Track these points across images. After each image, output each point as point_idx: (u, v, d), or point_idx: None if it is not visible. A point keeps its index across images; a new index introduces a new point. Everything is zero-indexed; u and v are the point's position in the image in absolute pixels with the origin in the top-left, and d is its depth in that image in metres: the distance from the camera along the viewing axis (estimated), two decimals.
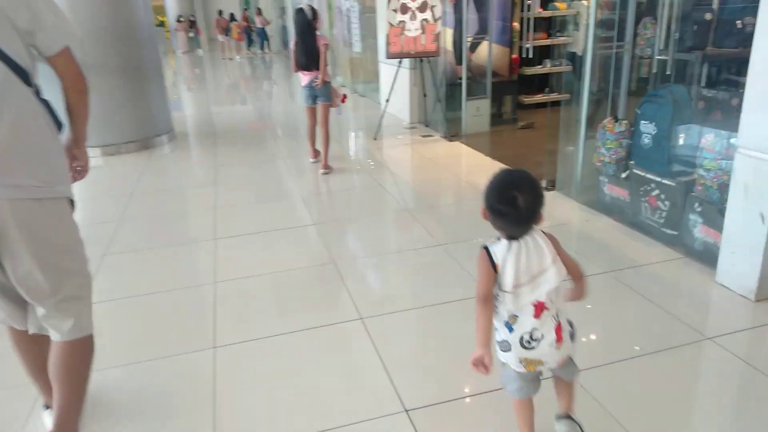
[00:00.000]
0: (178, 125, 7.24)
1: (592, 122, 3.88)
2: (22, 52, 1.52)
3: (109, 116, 5.82)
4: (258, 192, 4.52)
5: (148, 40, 6.06)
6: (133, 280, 3.07)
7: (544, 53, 7.32)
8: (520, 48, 7.05)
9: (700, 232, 2.95)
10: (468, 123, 6.03)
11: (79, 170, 1.83)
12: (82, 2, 5.44)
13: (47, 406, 1.85)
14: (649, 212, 3.30)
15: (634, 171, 3.41)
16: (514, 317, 1.46)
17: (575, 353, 1.60)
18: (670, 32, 3.81)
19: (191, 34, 22.75)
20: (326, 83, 4.82)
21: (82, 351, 1.69)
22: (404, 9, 5.76)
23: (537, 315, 1.45)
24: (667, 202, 3.17)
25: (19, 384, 1.95)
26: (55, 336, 1.65)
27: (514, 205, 1.39)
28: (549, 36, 7.22)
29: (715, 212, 2.82)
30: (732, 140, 2.67)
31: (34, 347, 1.73)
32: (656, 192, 3.24)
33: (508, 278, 1.42)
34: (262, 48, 21.23)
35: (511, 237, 1.46)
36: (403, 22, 5.79)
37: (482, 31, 6.46)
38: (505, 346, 1.50)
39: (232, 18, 22.41)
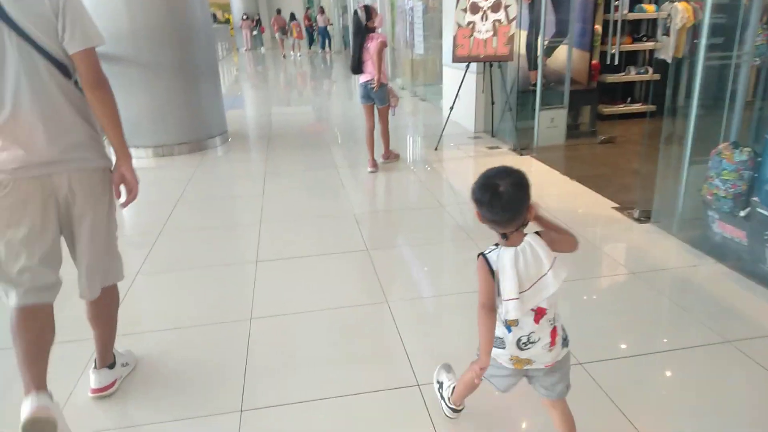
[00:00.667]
0: (233, 124, 7.05)
1: (696, 144, 3.26)
2: (59, 49, 1.71)
3: (162, 116, 5.64)
4: (307, 206, 4.14)
5: (204, 39, 5.84)
6: (160, 310, 2.75)
7: (627, 59, 6.62)
8: (602, 53, 6.40)
9: None
10: (541, 135, 5.45)
11: (130, 191, 1.90)
12: (141, 2, 5.27)
13: (28, 391, 1.74)
14: None
15: (758, 210, 2.78)
16: (515, 321, 1.48)
17: (569, 367, 1.59)
18: None
19: (255, 32, 23.01)
20: (383, 85, 4.63)
21: (111, 296, 2.02)
22: (475, 8, 5.25)
23: (537, 320, 1.47)
24: None
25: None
26: (94, 292, 1.91)
27: (496, 192, 1.40)
28: (634, 40, 6.51)
29: None
30: None
31: (36, 325, 1.80)
32: None
33: (509, 284, 1.41)
34: (323, 47, 21.16)
35: (504, 236, 1.45)
36: (472, 23, 5.28)
37: (560, 33, 5.84)
38: (500, 344, 1.52)
39: (292, 17, 22.57)
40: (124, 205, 1.89)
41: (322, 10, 20.88)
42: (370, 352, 2.31)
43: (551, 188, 4.31)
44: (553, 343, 1.50)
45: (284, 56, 20.52)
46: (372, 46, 4.53)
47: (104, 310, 2.01)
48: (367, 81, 4.66)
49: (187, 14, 5.61)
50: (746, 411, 1.90)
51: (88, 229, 1.82)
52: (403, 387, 2.05)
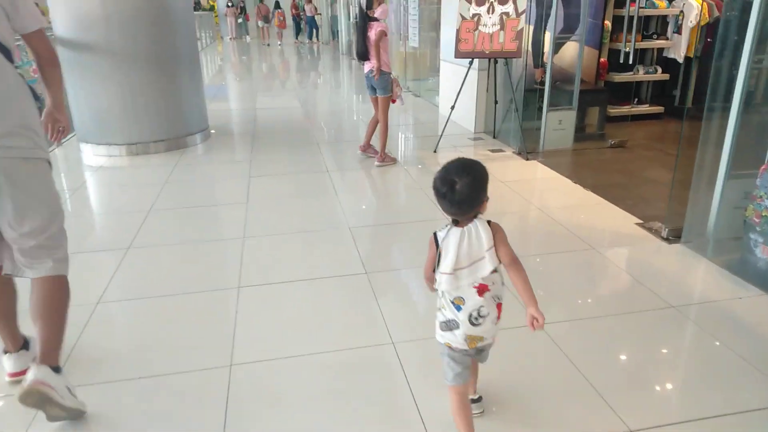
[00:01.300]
0: (216, 119, 6.56)
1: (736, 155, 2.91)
2: (6, 33, 1.77)
3: (136, 111, 5.15)
4: (297, 218, 3.72)
5: (183, 26, 5.35)
6: (124, 349, 2.32)
7: (634, 58, 6.27)
8: (610, 50, 6.05)
9: None
10: (547, 138, 5.08)
11: (62, 130, 2.03)
12: None
13: (5, 351, 2.08)
14: None
15: None
16: (461, 299, 1.56)
17: None
18: None
19: (240, 20, 22.35)
20: (384, 74, 4.55)
21: (60, 289, 1.93)
22: (480, 0, 4.84)
23: (481, 294, 1.55)
24: None
25: None
26: (37, 272, 1.88)
27: (452, 188, 1.48)
28: (643, 38, 6.15)
29: None
30: None
31: (3, 290, 1.99)
32: None
33: (448, 261, 1.53)
34: (310, 38, 20.59)
35: (455, 222, 1.56)
36: (478, 15, 4.88)
37: (568, 29, 5.46)
38: (453, 325, 1.59)
39: (277, 5, 21.99)
40: (56, 138, 2.01)
41: None
42: (376, 411, 1.91)
43: (564, 199, 3.94)
44: (499, 317, 1.61)
45: (268, 44, 20.29)
46: (372, 34, 4.45)
47: (54, 299, 1.92)
48: (369, 70, 4.60)
49: (167, 1, 5.11)
50: None
51: (25, 207, 1.83)
52: None
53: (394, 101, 4.74)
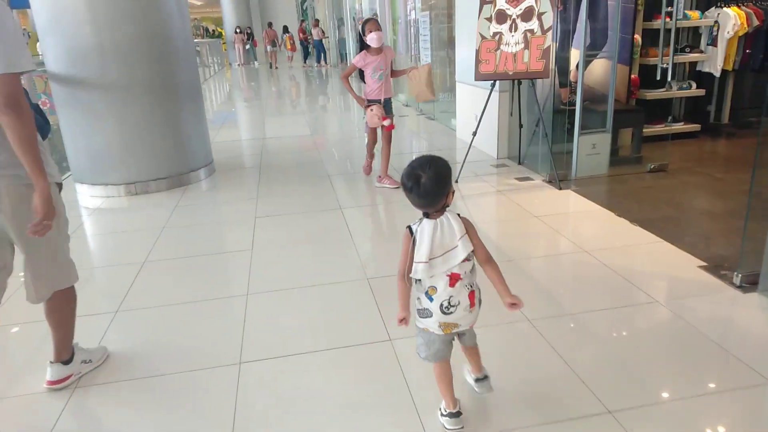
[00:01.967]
0: (221, 151, 6.23)
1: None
2: None
3: (135, 148, 4.81)
4: (308, 268, 3.29)
5: (183, 56, 5.02)
6: None
7: (664, 73, 5.84)
8: (641, 66, 5.62)
9: None
10: (580, 164, 4.63)
11: (37, 224, 1.85)
12: (101, 9, 4.45)
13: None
14: None
15: None
16: (434, 288, 1.68)
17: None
18: None
19: (248, 47, 22.37)
20: (370, 103, 4.57)
21: (62, 300, 2.14)
22: (502, 17, 4.45)
23: (452, 284, 1.66)
24: None
25: None
26: (41, 294, 2.07)
27: (417, 182, 1.59)
28: (675, 51, 5.71)
29: None
30: None
31: None
32: None
33: (423, 250, 1.63)
34: (318, 61, 20.47)
35: (426, 215, 1.67)
36: (499, 33, 4.49)
37: (595, 44, 5.04)
38: (426, 314, 1.71)
39: (285, 30, 22.17)
40: (29, 232, 1.85)
41: (316, 23, 20.19)
42: None
43: (610, 237, 3.47)
44: (472, 305, 1.70)
45: (276, 68, 20.54)
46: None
47: (56, 312, 2.15)
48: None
49: (164, 26, 4.79)
50: None
51: (25, 241, 1.93)
52: None
53: (384, 128, 4.59)
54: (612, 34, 4.80)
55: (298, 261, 3.37)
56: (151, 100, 4.76)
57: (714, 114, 6.27)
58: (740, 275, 2.74)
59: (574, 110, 4.68)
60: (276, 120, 9.29)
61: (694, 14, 5.59)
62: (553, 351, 2.28)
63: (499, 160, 5.44)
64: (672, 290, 2.80)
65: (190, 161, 5.20)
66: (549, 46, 4.32)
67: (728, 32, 5.33)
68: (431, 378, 1.89)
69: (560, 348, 2.29)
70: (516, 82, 4.83)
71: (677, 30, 5.70)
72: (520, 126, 5.06)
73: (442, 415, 1.86)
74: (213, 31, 25.50)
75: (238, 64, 22.61)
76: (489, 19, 4.49)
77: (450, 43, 8.18)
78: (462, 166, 4.86)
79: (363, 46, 4.53)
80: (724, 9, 5.39)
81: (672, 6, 4.93)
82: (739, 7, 5.42)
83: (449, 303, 1.66)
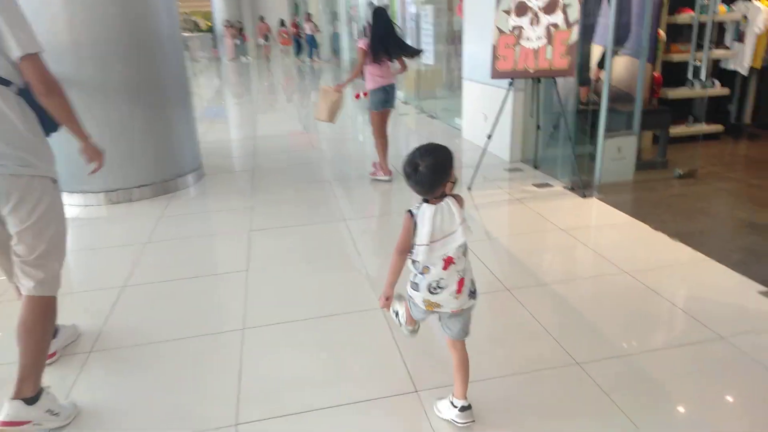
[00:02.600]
0: (211, 153, 5.78)
1: None
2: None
3: (116, 153, 4.29)
4: (312, 296, 2.88)
5: (169, 53, 4.56)
6: None
7: (685, 71, 5.49)
8: (663, 63, 5.25)
9: None
10: (604, 169, 4.25)
11: (92, 164, 2.10)
12: (79, 5, 3.99)
13: None
14: None
15: None
16: (427, 268, 1.72)
17: (470, 317, 1.82)
18: None
19: (237, 41, 21.84)
20: (371, 91, 4.51)
21: (36, 311, 1.91)
22: (522, 9, 4.05)
23: (445, 267, 1.71)
24: None
25: None
26: (22, 288, 1.92)
27: (415, 170, 1.63)
28: (698, 48, 5.35)
29: None
30: None
31: None
32: None
33: (424, 233, 1.67)
34: (311, 56, 19.97)
35: (426, 200, 1.69)
36: (519, 27, 4.09)
37: (617, 40, 4.66)
38: (416, 287, 1.77)
39: (282, 23, 21.82)
40: (91, 172, 2.10)
41: (308, 17, 19.65)
42: None
43: (650, 255, 3.09)
44: (459, 291, 1.74)
45: (268, 59, 20.40)
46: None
47: (28, 327, 1.90)
48: None
49: (148, 20, 4.33)
50: None
51: (17, 229, 1.88)
52: None
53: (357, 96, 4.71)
54: (638, 29, 4.43)
55: (301, 286, 2.95)
56: (133, 101, 4.31)
57: (735, 114, 5.94)
58: None
59: (595, 110, 4.30)
60: (267, 117, 8.83)
61: (722, 8, 5.22)
62: (611, 403, 1.89)
63: (512, 164, 5.06)
64: (733, 323, 2.41)
65: (176, 166, 4.75)
66: (575, 42, 3.93)
67: (758, 28, 4.98)
68: None
69: (618, 398, 1.90)
70: (535, 80, 4.43)
71: (700, 25, 5.36)
72: (538, 128, 4.67)
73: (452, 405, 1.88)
74: (204, 23, 25.03)
75: (229, 59, 22.04)
76: (508, 12, 4.09)
77: (453, 38, 7.79)
78: (476, 172, 4.46)
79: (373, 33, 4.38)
80: (754, 2, 5.04)
81: None
82: None
83: (437, 285, 1.73)
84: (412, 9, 8.96)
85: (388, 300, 1.82)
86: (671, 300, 2.58)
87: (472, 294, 1.79)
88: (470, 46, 5.84)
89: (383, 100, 4.48)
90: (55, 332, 2.13)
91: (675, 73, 5.31)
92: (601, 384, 2.01)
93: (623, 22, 4.53)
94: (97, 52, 4.10)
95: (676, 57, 5.20)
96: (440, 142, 1.70)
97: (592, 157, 4.44)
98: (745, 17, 5.10)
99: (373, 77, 4.41)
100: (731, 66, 5.37)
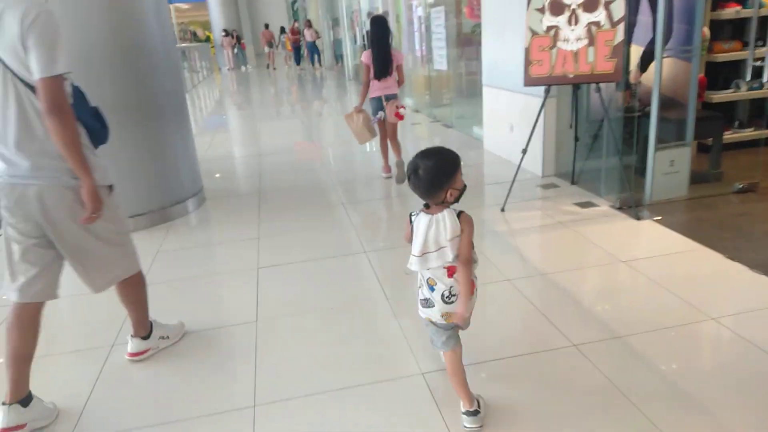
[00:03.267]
0: (213, 174, 5.33)
1: None
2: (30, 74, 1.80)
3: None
4: (336, 353, 2.40)
5: (164, 66, 4.10)
6: None
7: (732, 70, 5.01)
8: (707, 64, 4.76)
9: None
10: (656, 185, 3.76)
11: (86, 217, 1.96)
12: (61, 14, 3.52)
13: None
14: None
15: None
16: (433, 279, 1.70)
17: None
18: None
19: (236, 50, 21.50)
20: (370, 99, 4.74)
21: (135, 283, 2.32)
22: (558, 7, 3.58)
23: (450, 275, 1.68)
24: None
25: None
26: (103, 283, 2.17)
27: (415, 172, 1.61)
28: (744, 46, 4.87)
29: None
30: None
31: (33, 327, 2.00)
32: None
33: (417, 244, 1.66)
34: (313, 63, 19.59)
35: (426, 206, 1.69)
36: (555, 28, 3.61)
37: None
38: (429, 304, 1.73)
39: (283, 31, 21.59)
40: (83, 221, 1.96)
41: (309, 24, 19.27)
42: None
43: (735, 294, 2.59)
44: (471, 293, 1.71)
45: (274, 68, 20.25)
46: None
47: (125, 297, 2.32)
48: None
49: (139, 32, 3.89)
50: None
51: (68, 238, 1.96)
52: None
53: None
54: (681, 27, 3.96)
55: (322, 341, 2.47)
56: (123, 121, 3.83)
57: None
58: None
59: (635, 117, 3.83)
60: (273, 132, 8.37)
61: None
62: None
63: (545, 179, 4.58)
64: None
65: (174, 192, 4.29)
66: (621, 42, 3.45)
67: None
68: None
69: None
70: (575, 86, 3.95)
71: (741, 21, 4.87)
72: (576, 139, 4.18)
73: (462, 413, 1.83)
74: (203, 33, 24.74)
75: (228, 69, 21.69)
76: (541, 10, 3.62)
77: (465, 41, 7.34)
78: (510, 191, 3.97)
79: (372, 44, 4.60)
80: None
81: None
82: None
83: (451, 292, 1.69)
84: (419, 12, 8.52)
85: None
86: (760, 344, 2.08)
87: (475, 290, 1.78)
88: (490, 49, 5.37)
89: (381, 108, 4.67)
90: (28, 400, 2.00)
91: (715, 74, 4.83)
92: None
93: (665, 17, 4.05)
94: (82, 66, 3.61)
95: (721, 57, 4.71)
96: (463, 154, 1.62)
97: (638, 170, 3.96)
98: None
99: (372, 87, 4.66)
100: None
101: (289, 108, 11.34)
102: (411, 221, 1.70)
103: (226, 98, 13.80)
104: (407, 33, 9.49)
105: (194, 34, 33.79)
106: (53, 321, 2.44)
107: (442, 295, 1.69)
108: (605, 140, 4.02)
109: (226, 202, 4.70)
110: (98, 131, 2.03)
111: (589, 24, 3.50)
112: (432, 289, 1.70)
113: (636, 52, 4.31)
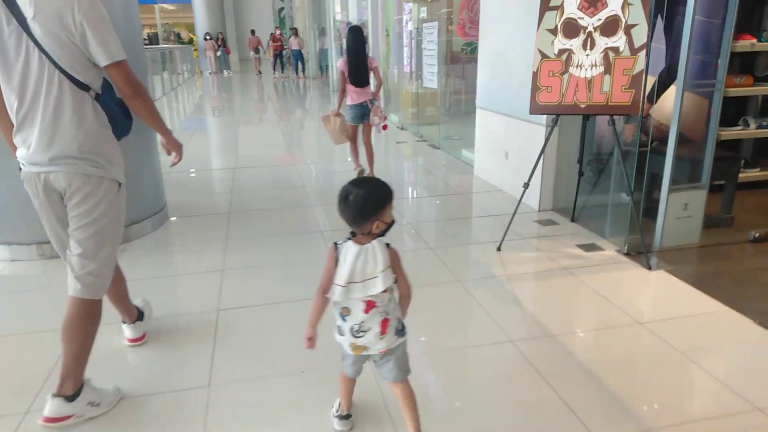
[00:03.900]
0: (179, 188, 4.84)
1: None
2: (77, 65, 1.84)
3: None
4: (306, 424, 1.95)
5: None
6: None
7: (741, 107, 4.75)
8: (724, 98, 4.47)
9: None
10: (667, 229, 3.43)
11: (173, 157, 2.19)
12: None
13: (124, 322, 2.45)
14: None
15: None
16: (348, 310, 1.66)
17: (404, 354, 1.74)
18: None
19: (219, 54, 20.99)
20: (348, 106, 4.93)
21: (80, 313, 1.98)
22: (572, 30, 3.23)
23: (366, 311, 1.64)
24: None
25: None
26: (69, 287, 1.99)
27: (345, 198, 1.58)
28: (756, 81, 4.61)
29: None
30: None
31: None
32: None
33: (343, 274, 1.60)
34: (297, 72, 19.19)
35: (353, 234, 1.64)
36: (567, 51, 3.26)
37: (672, 71, 3.89)
38: (341, 331, 1.71)
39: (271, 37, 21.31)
40: (172, 164, 2.19)
41: (296, 32, 18.87)
42: None
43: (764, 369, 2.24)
44: (383, 332, 1.66)
45: (260, 73, 20.37)
46: None
47: (74, 324, 1.99)
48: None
49: None
50: None
51: (75, 225, 1.94)
52: None
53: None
54: (696, 58, 3.65)
55: (288, 411, 2.02)
56: None
57: None
58: None
59: (647, 152, 3.50)
60: (248, 143, 7.88)
61: None
62: None
63: (542, 213, 4.21)
64: None
65: (132, 209, 3.77)
66: (641, 71, 3.12)
67: None
68: None
69: None
70: (585, 117, 3.60)
71: (752, 55, 4.62)
72: (581, 174, 3.82)
73: (333, 415, 1.90)
74: (186, 36, 24.22)
75: (210, 73, 21.14)
76: (553, 32, 3.27)
77: (455, 59, 7.03)
78: (508, 229, 3.59)
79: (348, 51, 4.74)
80: None
81: None
82: None
83: (360, 328, 1.66)
84: (409, 27, 8.18)
85: (310, 340, 1.70)
86: None
87: (400, 332, 1.71)
88: (487, 69, 5.02)
89: (359, 115, 4.86)
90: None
91: (723, 110, 4.57)
92: None
93: (676, 46, 3.75)
94: None
95: (732, 91, 4.44)
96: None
97: (646, 211, 3.62)
98: None
99: (350, 94, 4.81)
100: None
101: (269, 116, 10.85)
102: (336, 249, 1.64)
103: (206, 102, 13.26)
104: (396, 48, 9.14)
105: (178, 35, 33.16)
106: None
107: (351, 328, 1.66)
108: (613, 176, 3.67)
109: (191, 223, 4.21)
110: (123, 122, 2.04)
111: (607, 49, 3.16)
112: (344, 318, 1.67)
113: (648, 82, 4.00)
